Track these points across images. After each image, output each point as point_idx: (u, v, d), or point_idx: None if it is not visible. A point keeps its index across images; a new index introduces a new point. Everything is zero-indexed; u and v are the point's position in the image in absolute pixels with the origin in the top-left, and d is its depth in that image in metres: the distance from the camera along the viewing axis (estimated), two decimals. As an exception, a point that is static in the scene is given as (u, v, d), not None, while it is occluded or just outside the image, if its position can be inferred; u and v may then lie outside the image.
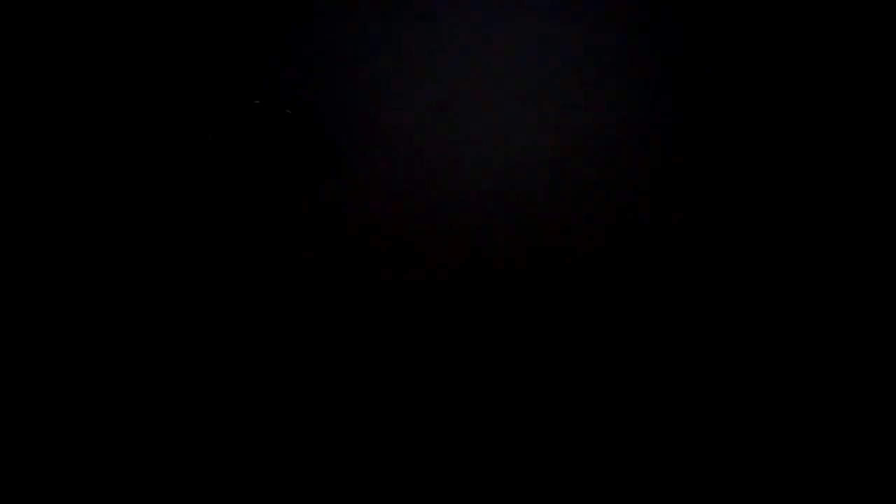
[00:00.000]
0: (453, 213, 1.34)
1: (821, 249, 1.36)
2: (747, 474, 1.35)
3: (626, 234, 1.36)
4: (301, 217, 1.31)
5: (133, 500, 1.27)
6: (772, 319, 1.35)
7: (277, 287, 1.32)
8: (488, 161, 1.34)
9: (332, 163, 1.32)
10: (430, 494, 1.33)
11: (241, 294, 1.31)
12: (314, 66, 1.32)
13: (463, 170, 1.34)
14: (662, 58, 1.37)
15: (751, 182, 1.36)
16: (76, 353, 1.27)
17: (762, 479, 1.35)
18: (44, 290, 1.26)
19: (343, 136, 1.32)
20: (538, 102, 1.35)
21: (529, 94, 1.35)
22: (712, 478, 1.35)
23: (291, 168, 1.30)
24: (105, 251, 1.27)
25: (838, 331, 1.36)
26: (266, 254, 1.31)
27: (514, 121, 1.35)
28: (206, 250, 1.30)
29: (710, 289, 1.36)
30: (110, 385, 1.28)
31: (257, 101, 1.29)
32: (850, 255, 1.36)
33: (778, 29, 1.37)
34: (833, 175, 1.36)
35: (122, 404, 1.29)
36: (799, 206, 1.36)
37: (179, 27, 1.28)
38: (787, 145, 1.36)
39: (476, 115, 1.34)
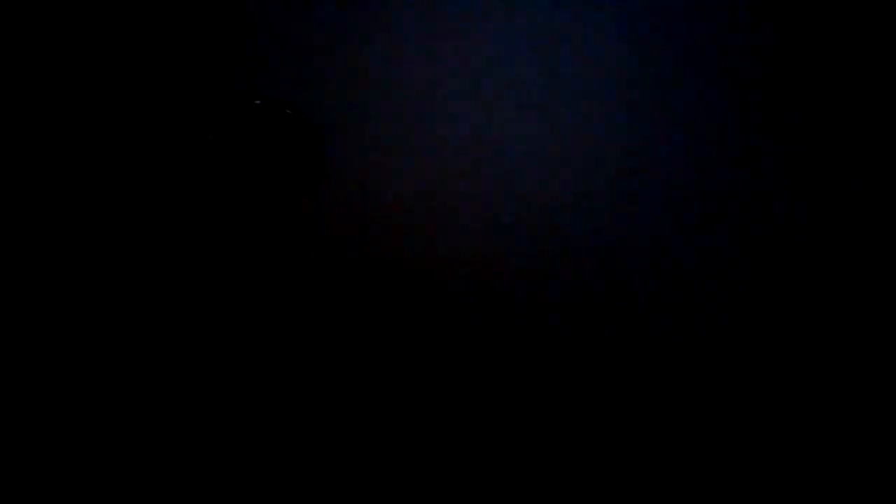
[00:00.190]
0: (453, 214, 1.34)
1: (830, 251, 1.36)
2: (748, 474, 1.35)
3: (629, 235, 1.35)
4: (300, 217, 1.31)
5: (133, 499, 1.27)
6: (776, 321, 1.35)
7: (277, 287, 1.32)
8: (488, 163, 1.34)
9: (331, 163, 1.32)
10: (430, 494, 1.33)
11: (240, 293, 1.31)
12: (314, 66, 1.31)
13: (463, 171, 1.34)
14: (671, 59, 1.36)
15: (760, 185, 1.36)
16: (74, 352, 1.27)
17: (763, 479, 1.35)
18: (43, 291, 1.26)
19: (342, 136, 1.32)
20: (538, 106, 1.35)
21: (530, 98, 1.35)
22: (713, 478, 1.35)
23: (290, 168, 1.30)
24: (105, 251, 1.27)
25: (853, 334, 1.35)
26: (265, 253, 1.31)
27: (514, 124, 1.35)
28: (206, 250, 1.30)
29: (714, 290, 1.36)
30: (109, 384, 1.29)
31: (257, 101, 1.28)
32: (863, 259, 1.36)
33: (786, 31, 1.36)
34: (839, 176, 1.36)
35: (120, 403, 1.29)
36: (808, 210, 1.36)
37: (179, 27, 1.28)
38: (803, 149, 1.36)
39: (476, 118, 1.34)
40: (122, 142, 1.27)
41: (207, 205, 1.30)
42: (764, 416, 1.34)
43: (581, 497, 1.33)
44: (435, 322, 1.34)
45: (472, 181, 1.34)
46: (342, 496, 1.31)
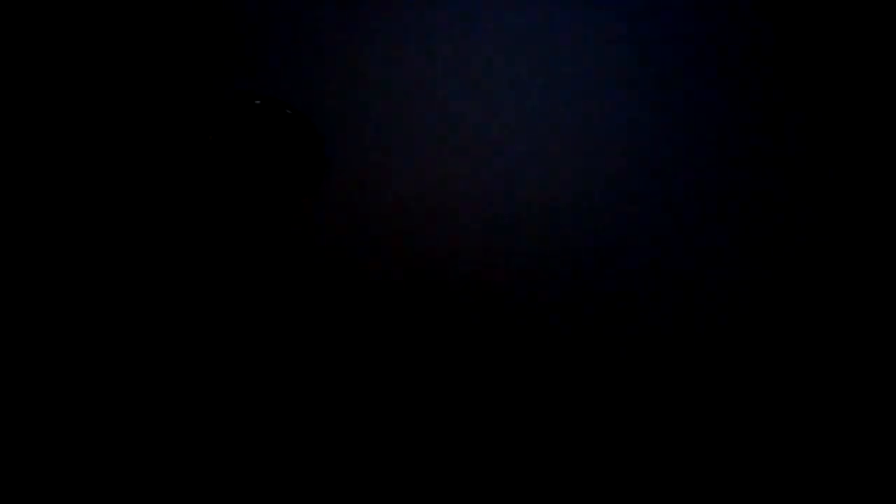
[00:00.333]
0: (452, 214, 1.34)
1: (836, 251, 1.36)
2: (748, 475, 1.35)
3: (629, 235, 1.35)
4: (300, 217, 1.31)
5: (133, 499, 1.28)
6: (780, 324, 1.35)
7: (277, 287, 1.32)
8: (488, 163, 1.34)
9: (331, 163, 1.32)
10: (432, 495, 1.33)
11: (240, 293, 1.31)
12: (314, 66, 1.31)
13: (462, 170, 1.34)
14: (670, 60, 1.36)
15: (762, 185, 1.36)
16: (73, 352, 1.27)
17: (763, 479, 1.35)
18: (42, 292, 1.26)
19: (342, 136, 1.32)
20: (538, 106, 1.35)
21: (530, 98, 1.35)
22: (716, 478, 1.35)
23: (290, 168, 1.30)
24: (105, 251, 1.28)
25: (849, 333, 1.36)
26: (265, 253, 1.31)
27: (514, 124, 1.35)
28: (206, 250, 1.30)
29: (715, 291, 1.36)
30: (108, 384, 1.29)
31: (257, 101, 1.29)
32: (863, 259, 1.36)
33: (788, 32, 1.36)
34: (839, 175, 1.36)
35: (119, 402, 1.29)
36: (811, 210, 1.36)
37: (179, 27, 1.28)
38: (804, 149, 1.36)
39: (476, 118, 1.34)
40: (123, 142, 1.27)
41: (208, 205, 1.30)
42: (763, 416, 1.34)
43: (582, 495, 1.33)
44: (435, 321, 1.34)
45: (471, 181, 1.34)
46: (343, 496, 1.31)
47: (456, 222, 1.33)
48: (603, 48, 1.35)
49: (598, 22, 1.35)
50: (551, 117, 1.35)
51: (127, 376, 1.28)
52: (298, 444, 1.31)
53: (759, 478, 1.34)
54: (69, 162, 1.26)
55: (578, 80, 1.35)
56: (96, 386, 1.28)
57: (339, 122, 1.32)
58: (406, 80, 1.33)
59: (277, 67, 1.31)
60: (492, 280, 1.34)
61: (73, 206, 1.26)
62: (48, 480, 1.26)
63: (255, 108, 1.29)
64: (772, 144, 1.35)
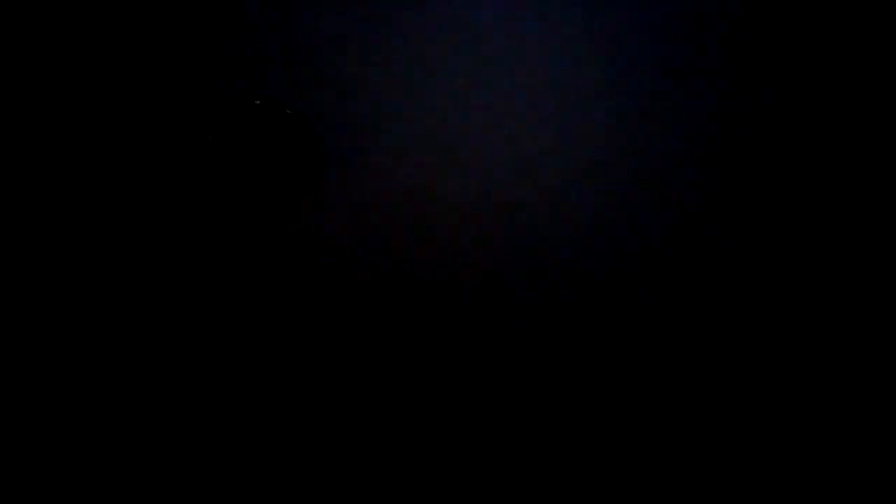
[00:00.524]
0: (453, 214, 1.34)
1: (827, 252, 1.36)
2: (748, 474, 1.35)
3: (630, 235, 1.36)
4: (300, 217, 1.31)
5: (132, 499, 1.27)
6: (779, 326, 1.36)
7: (277, 286, 1.32)
8: (489, 163, 1.34)
9: (330, 163, 1.32)
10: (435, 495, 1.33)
11: (240, 293, 1.31)
12: (314, 66, 1.32)
13: (463, 171, 1.34)
14: (669, 58, 1.37)
15: (762, 185, 1.36)
16: (73, 352, 1.27)
17: (762, 479, 1.35)
18: (41, 292, 1.26)
19: (342, 136, 1.32)
20: (539, 106, 1.35)
21: (531, 99, 1.35)
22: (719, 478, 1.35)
23: (290, 168, 1.30)
24: (104, 251, 1.27)
25: (841, 332, 1.36)
26: (265, 253, 1.31)
27: (515, 124, 1.35)
28: (206, 250, 1.30)
29: (715, 292, 1.36)
30: (108, 384, 1.28)
31: (257, 101, 1.29)
32: (850, 258, 1.36)
33: (788, 32, 1.37)
34: (832, 178, 1.36)
35: (119, 403, 1.29)
36: (808, 209, 1.36)
37: (179, 27, 1.28)
38: (800, 149, 1.36)
39: (477, 118, 1.34)
40: (122, 142, 1.27)
41: (207, 205, 1.29)
42: (766, 421, 1.35)
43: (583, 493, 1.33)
44: (435, 321, 1.34)
45: (472, 180, 1.34)
46: (344, 496, 1.31)
47: (456, 222, 1.33)
48: (603, 49, 1.35)
49: (600, 22, 1.36)
50: (552, 117, 1.35)
51: (126, 375, 1.28)
52: (299, 444, 1.31)
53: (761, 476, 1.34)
54: (69, 162, 1.26)
55: (579, 80, 1.35)
56: (96, 385, 1.27)
57: (339, 122, 1.32)
58: (406, 80, 1.33)
59: (277, 67, 1.31)
60: (492, 280, 1.34)
61: (72, 206, 1.26)
62: (48, 480, 1.25)
63: (255, 108, 1.29)
64: (785, 147, 1.36)
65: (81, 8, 1.25)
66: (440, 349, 1.34)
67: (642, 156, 1.35)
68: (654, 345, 1.35)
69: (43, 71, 1.25)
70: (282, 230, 1.31)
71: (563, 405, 1.35)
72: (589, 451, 1.34)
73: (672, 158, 1.36)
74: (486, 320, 1.35)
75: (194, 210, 1.29)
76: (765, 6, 1.36)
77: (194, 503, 1.28)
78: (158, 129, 1.28)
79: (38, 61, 1.25)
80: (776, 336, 1.35)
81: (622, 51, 1.36)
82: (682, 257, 1.35)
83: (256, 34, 1.30)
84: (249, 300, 1.31)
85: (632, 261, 1.35)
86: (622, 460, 1.34)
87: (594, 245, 1.35)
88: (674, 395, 1.35)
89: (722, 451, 1.35)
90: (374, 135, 1.32)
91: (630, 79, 1.35)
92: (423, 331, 1.34)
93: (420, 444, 1.33)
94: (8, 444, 1.25)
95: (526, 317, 1.35)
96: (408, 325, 1.34)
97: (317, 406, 1.32)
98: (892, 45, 1.35)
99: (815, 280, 1.35)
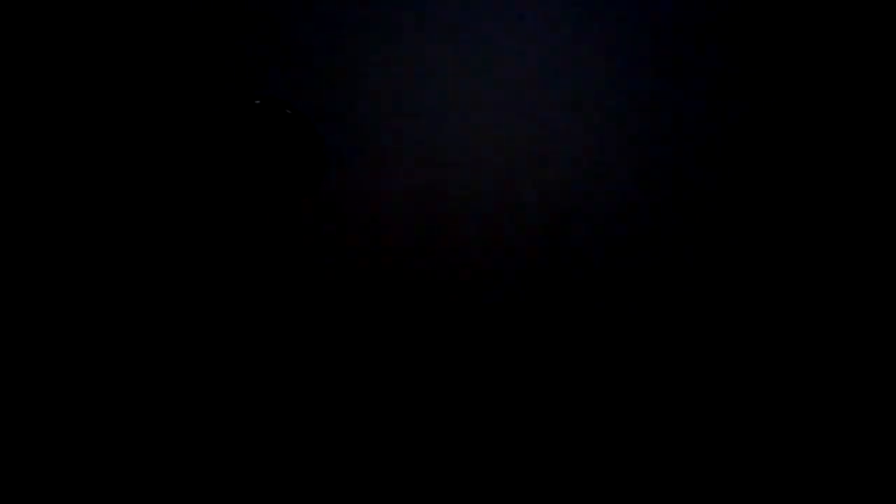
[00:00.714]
0: (453, 213, 1.34)
1: (822, 253, 1.37)
2: (748, 474, 1.36)
3: (631, 236, 1.36)
4: (300, 217, 1.31)
5: (132, 499, 1.27)
6: (777, 327, 1.36)
7: (277, 286, 1.32)
8: (490, 162, 1.34)
9: (331, 163, 1.32)
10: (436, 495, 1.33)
11: (240, 294, 1.31)
12: (314, 66, 1.31)
13: (463, 171, 1.34)
14: (665, 57, 1.37)
15: (759, 182, 1.36)
16: (72, 352, 1.27)
17: (762, 478, 1.36)
18: (41, 292, 1.26)
19: (342, 136, 1.32)
20: (542, 104, 1.35)
21: (532, 98, 1.35)
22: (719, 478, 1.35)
23: (290, 168, 1.30)
24: (104, 251, 1.27)
25: (839, 333, 1.36)
26: (265, 254, 1.31)
27: (515, 124, 1.35)
28: (206, 250, 1.30)
29: (712, 292, 1.36)
30: (108, 384, 1.28)
31: (257, 101, 1.28)
32: (848, 257, 1.36)
33: (785, 31, 1.37)
34: (829, 178, 1.37)
35: (119, 403, 1.29)
36: (806, 210, 1.36)
37: (179, 27, 1.28)
38: (800, 148, 1.36)
39: (477, 118, 1.34)
40: (122, 142, 1.27)
41: (207, 205, 1.29)
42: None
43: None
44: (435, 321, 1.34)
45: (472, 180, 1.34)
46: (343, 495, 1.31)
47: (456, 222, 1.34)
48: (603, 49, 1.35)
49: (601, 23, 1.36)
50: (552, 117, 1.35)
51: (126, 375, 1.28)
52: (299, 443, 1.32)
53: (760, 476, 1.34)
54: (68, 162, 1.26)
55: (579, 81, 1.35)
56: (96, 385, 1.27)
57: (339, 122, 1.32)
58: (406, 80, 1.33)
59: (277, 67, 1.31)
60: (493, 280, 1.34)
61: (72, 206, 1.26)
62: (47, 480, 1.25)
63: (255, 108, 1.29)
64: (783, 146, 1.36)
65: (81, 7, 1.25)
66: (440, 349, 1.34)
67: (643, 156, 1.36)
68: (654, 345, 1.35)
69: (43, 71, 1.25)
70: (282, 230, 1.31)
71: (562, 405, 1.35)
72: (589, 451, 1.35)
73: (672, 158, 1.36)
74: (486, 320, 1.35)
75: (194, 210, 1.29)
76: (765, 6, 1.36)
77: (194, 502, 1.28)
78: (158, 129, 1.28)
79: (38, 61, 1.25)
80: (776, 336, 1.36)
81: (623, 51, 1.36)
82: (683, 257, 1.35)
83: (256, 34, 1.30)
84: (249, 300, 1.31)
85: (632, 261, 1.35)
86: (622, 460, 1.35)
87: (594, 245, 1.35)
88: (674, 395, 1.35)
89: (722, 451, 1.35)
90: (374, 135, 1.32)
91: (631, 78, 1.35)
92: (423, 330, 1.34)
93: (419, 445, 1.33)
94: (8, 444, 1.25)
95: (526, 317, 1.35)
96: (408, 325, 1.34)
97: (316, 406, 1.32)
98: (893, 46, 1.35)
99: (815, 280, 1.36)
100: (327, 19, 1.32)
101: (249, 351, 1.31)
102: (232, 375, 1.31)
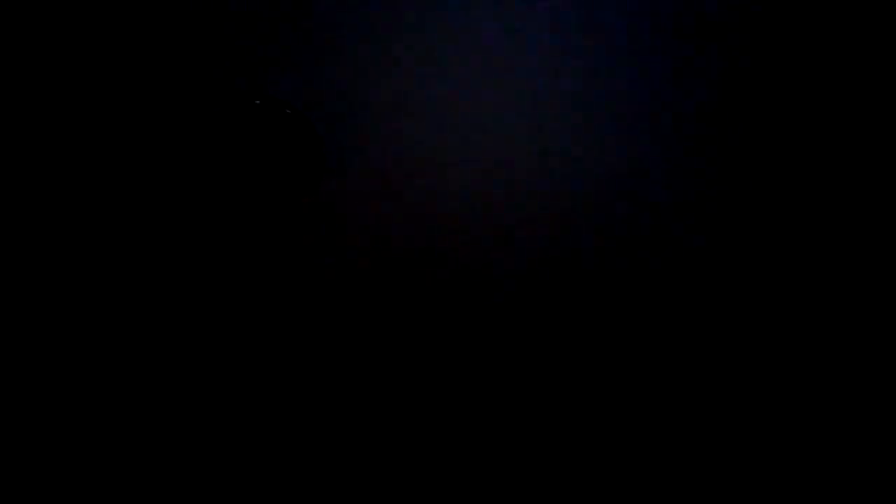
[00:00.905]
0: (452, 214, 1.34)
1: (826, 251, 1.37)
2: (748, 474, 1.36)
3: (632, 236, 1.36)
4: (300, 217, 1.32)
5: (132, 499, 1.28)
6: (775, 326, 1.36)
7: (276, 287, 1.32)
8: (490, 162, 1.34)
9: (331, 163, 1.32)
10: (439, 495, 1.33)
11: (239, 294, 1.31)
12: (314, 66, 1.31)
13: (463, 171, 1.34)
14: (669, 58, 1.37)
15: (759, 182, 1.36)
16: (73, 354, 1.27)
17: (762, 478, 1.36)
18: (41, 293, 1.26)
19: (342, 136, 1.32)
20: (541, 104, 1.35)
21: (533, 98, 1.35)
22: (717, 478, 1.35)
23: (290, 168, 1.30)
24: (104, 251, 1.27)
25: (838, 333, 1.36)
26: (265, 254, 1.31)
27: (516, 124, 1.35)
28: (206, 250, 1.30)
29: (709, 292, 1.36)
30: (108, 384, 1.28)
31: (257, 101, 1.28)
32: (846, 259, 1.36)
33: (784, 32, 1.37)
34: (826, 179, 1.36)
35: (119, 405, 1.29)
36: (807, 211, 1.36)
37: (178, 26, 1.28)
38: (801, 149, 1.36)
39: (476, 117, 1.34)
40: (121, 142, 1.27)
41: (207, 205, 1.30)
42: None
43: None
44: (435, 321, 1.34)
45: (472, 181, 1.34)
46: (345, 496, 1.31)
47: (456, 222, 1.34)
48: (603, 50, 1.35)
49: (602, 26, 1.36)
50: (553, 117, 1.35)
51: (126, 374, 1.28)
52: (299, 443, 1.32)
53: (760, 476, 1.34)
54: (69, 161, 1.26)
55: (579, 81, 1.35)
56: (96, 384, 1.28)
57: (339, 122, 1.32)
58: (406, 80, 1.33)
59: (277, 67, 1.31)
60: (493, 280, 1.34)
61: (72, 206, 1.26)
62: (47, 480, 1.25)
63: (255, 108, 1.29)
64: (779, 148, 1.36)
65: (81, 7, 1.25)
66: (440, 349, 1.34)
67: (644, 156, 1.36)
68: (655, 344, 1.35)
69: (43, 71, 1.25)
70: (282, 230, 1.31)
71: (561, 406, 1.35)
72: (589, 451, 1.35)
73: (674, 157, 1.36)
74: (485, 320, 1.35)
75: (194, 210, 1.29)
76: (766, 6, 1.36)
77: (194, 502, 1.28)
78: (159, 129, 1.28)
79: (38, 61, 1.25)
80: (775, 336, 1.36)
81: (623, 51, 1.36)
82: (683, 257, 1.35)
83: (256, 34, 1.30)
84: (249, 300, 1.31)
85: (632, 261, 1.35)
86: (621, 460, 1.35)
87: (594, 245, 1.35)
88: (673, 395, 1.35)
89: (722, 451, 1.35)
90: (374, 135, 1.32)
91: (631, 79, 1.35)
92: (423, 330, 1.34)
93: (418, 445, 1.34)
94: (8, 444, 1.25)
95: (526, 318, 1.35)
96: (407, 325, 1.34)
97: (316, 406, 1.32)
98: (893, 46, 1.35)
99: (816, 280, 1.36)
100: (328, 19, 1.32)
101: (249, 350, 1.31)
102: (232, 374, 1.31)
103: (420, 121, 1.33)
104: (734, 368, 1.36)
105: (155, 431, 1.29)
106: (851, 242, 1.35)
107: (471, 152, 1.34)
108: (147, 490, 1.28)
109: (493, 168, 1.34)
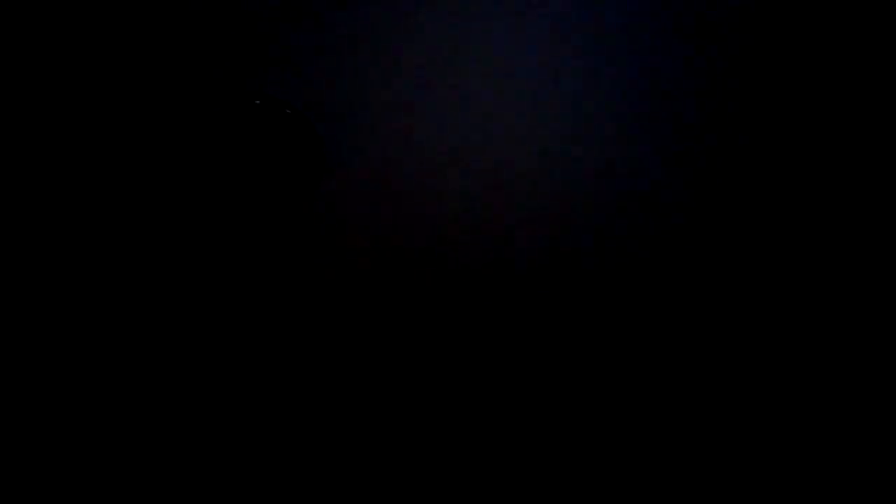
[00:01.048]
0: (454, 213, 1.34)
1: (826, 251, 1.36)
2: (747, 474, 1.36)
3: (624, 235, 1.36)
4: (300, 217, 1.32)
5: (132, 499, 1.28)
6: (773, 325, 1.36)
7: (277, 287, 1.32)
8: (490, 162, 1.34)
9: (331, 163, 1.32)
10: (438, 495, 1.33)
11: (240, 294, 1.31)
12: (314, 66, 1.31)
13: (463, 171, 1.34)
14: (661, 58, 1.37)
15: (759, 182, 1.36)
16: (73, 354, 1.27)
17: (761, 478, 1.36)
18: (41, 293, 1.26)
19: (342, 136, 1.32)
20: (541, 104, 1.35)
21: (533, 96, 1.35)
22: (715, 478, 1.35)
23: (290, 168, 1.30)
24: (104, 252, 1.27)
25: (836, 332, 1.36)
26: (265, 254, 1.31)
27: (516, 124, 1.35)
28: (206, 250, 1.30)
29: (709, 292, 1.36)
30: (108, 384, 1.28)
31: (257, 101, 1.28)
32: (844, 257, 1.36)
33: (784, 34, 1.37)
34: (824, 178, 1.37)
35: (120, 405, 1.29)
36: (805, 210, 1.36)
37: (178, 26, 1.28)
38: (796, 151, 1.36)
39: (476, 117, 1.34)
40: (121, 142, 1.27)
41: (207, 205, 1.30)
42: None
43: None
44: (435, 321, 1.34)
45: (472, 181, 1.34)
46: (346, 496, 1.31)
47: (456, 222, 1.34)
48: (604, 49, 1.35)
49: (602, 25, 1.36)
50: (553, 117, 1.35)
51: (127, 374, 1.28)
52: (298, 443, 1.32)
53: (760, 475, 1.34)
54: (69, 161, 1.26)
55: (579, 81, 1.35)
56: (97, 384, 1.28)
57: (339, 122, 1.32)
58: (406, 80, 1.33)
59: (277, 67, 1.31)
60: (493, 280, 1.34)
61: (72, 206, 1.26)
62: (47, 480, 1.25)
63: (255, 108, 1.29)
64: (779, 150, 1.36)
65: (82, 7, 1.25)
66: (440, 349, 1.34)
67: (644, 156, 1.36)
68: (655, 344, 1.36)
69: (43, 71, 1.25)
70: (282, 230, 1.31)
71: (561, 405, 1.35)
72: (588, 451, 1.35)
73: (673, 157, 1.36)
74: (485, 320, 1.35)
75: (194, 210, 1.29)
76: (766, 6, 1.36)
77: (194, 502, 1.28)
78: (159, 129, 1.28)
79: (38, 61, 1.25)
80: (775, 335, 1.36)
81: (623, 51, 1.36)
82: (683, 257, 1.35)
83: (256, 34, 1.30)
84: (250, 300, 1.31)
85: (632, 260, 1.35)
86: (621, 459, 1.35)
87: (594, 245, 1.35)
88: (673, 394, 1.35)
89: (723, 445, 1.35)
90: (373, 135, 1.32)
91: (631, 79, 1.35)
92: (424, 330, 1.34)
93: (418, 445, 1.34)
94: (8, 444, 1.25)
95: (526, 318, 1.35)
96: (407, 325, 1.34)
97: (316, 406, 1.32)
98: (893, 46, 1.35)
99: (815, 281, 1.36)
100: (327, 19, 1.32)
101: (250, 350, 1.31)
102: (232, 374, 1.31)
103: (420, 121, 1.33)
104: (734, 367, 1.36)
105: (156, 431, 1.29)
106: (851, 242, 1.35)
107: (471, 152, 1.34)
108: (147, 490, 1.28)
109: (493, 168, 1.34)
